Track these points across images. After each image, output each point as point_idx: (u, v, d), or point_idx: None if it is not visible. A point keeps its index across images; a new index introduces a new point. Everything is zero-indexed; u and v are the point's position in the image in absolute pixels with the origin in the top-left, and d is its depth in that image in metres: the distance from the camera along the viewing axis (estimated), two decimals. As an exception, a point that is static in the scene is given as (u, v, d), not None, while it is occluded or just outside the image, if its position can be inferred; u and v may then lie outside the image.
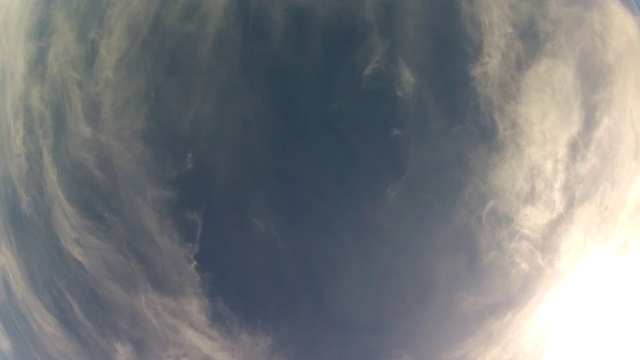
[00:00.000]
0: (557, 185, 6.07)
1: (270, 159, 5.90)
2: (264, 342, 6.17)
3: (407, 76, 5.64)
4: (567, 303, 6.55)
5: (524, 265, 6.10)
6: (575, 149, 6.11)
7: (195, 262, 6.01)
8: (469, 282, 6.10)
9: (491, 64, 5.77)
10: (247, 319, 6.11)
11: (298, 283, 6.07)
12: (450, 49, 5.79)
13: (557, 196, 6.08)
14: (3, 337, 7.68)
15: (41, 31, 6.83)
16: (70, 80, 6.42)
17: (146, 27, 6.03)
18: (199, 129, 5.92)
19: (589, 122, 6.15)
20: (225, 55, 5.88)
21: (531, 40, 5.94)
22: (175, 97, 5.97)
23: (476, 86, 5.73)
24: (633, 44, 6.47)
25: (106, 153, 6.19)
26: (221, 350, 6.30)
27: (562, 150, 6.05)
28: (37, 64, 6.79)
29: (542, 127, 5.95)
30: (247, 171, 5.91)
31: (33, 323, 7.12)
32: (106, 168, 6.20)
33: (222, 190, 5.96)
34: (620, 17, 6.39)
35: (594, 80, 6.18)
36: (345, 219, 5.87)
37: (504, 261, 6.04)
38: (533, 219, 6.02)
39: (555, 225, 6.13)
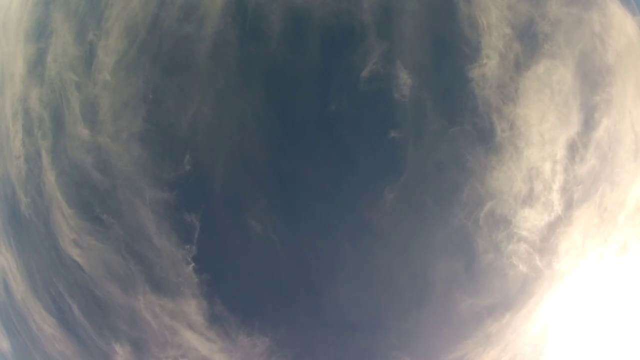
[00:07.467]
0: (556, 186, 6.04)
1: (268, 160, 5.89)
2: (262, 343, 6.17)
3: (405, 78, 5.62)
4: (566, 304, 6.54)
5: (522, 267, 6.08)
6: (574, 150, 6.08)
7: (193, 264, 6.01)
8: (467, 284, 6.09)
9: (489, 65, 5.74)
10: (245, 321, 6.11)
11: (296, 285, 6.07)
12: (448, 50, 5.76)
13: (556, 198, 6.05)
14: (3, 337, 7.72)
15: (40, 32, 6.84)
16: (69, 82, 6.42)
17: (144, 29, 6.03)
18: (197, 131, 5.91)
19: (588, 123, 6.11)
20: (222, 56, 5.87)
21: (530, 41, 5.90)
22: (173, 99, 5.97)
23: (474, 88, 5.70)
24: (633, 44, 6.43)
25: (104, 154, 6.19)
26: (219, 352, 6.31)
27: (560, 152, 6.02)
28: (36, 65, 6.80)
29: (540, 128, 5.92)
30: (244, 173, 5.91)
31: (32, 323, 7.15)
32: (104, 169, 6.21)
33: (219, 192, 5.95)
34: (620, 18, 6.34)
35: (593, 81, 6.14)
36: (343, 220, 5.86)
37: (502, 263, 6.02)
38: (531, 220, 5.99)
39: (553, 227, 6.11)
